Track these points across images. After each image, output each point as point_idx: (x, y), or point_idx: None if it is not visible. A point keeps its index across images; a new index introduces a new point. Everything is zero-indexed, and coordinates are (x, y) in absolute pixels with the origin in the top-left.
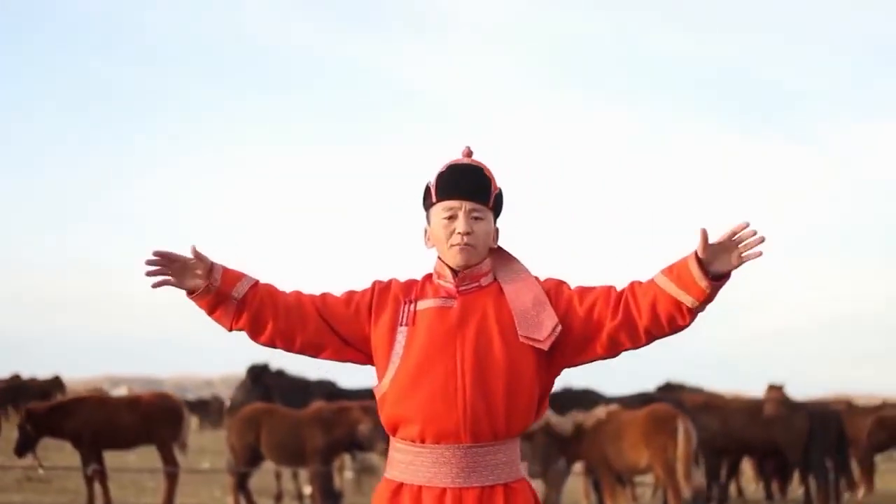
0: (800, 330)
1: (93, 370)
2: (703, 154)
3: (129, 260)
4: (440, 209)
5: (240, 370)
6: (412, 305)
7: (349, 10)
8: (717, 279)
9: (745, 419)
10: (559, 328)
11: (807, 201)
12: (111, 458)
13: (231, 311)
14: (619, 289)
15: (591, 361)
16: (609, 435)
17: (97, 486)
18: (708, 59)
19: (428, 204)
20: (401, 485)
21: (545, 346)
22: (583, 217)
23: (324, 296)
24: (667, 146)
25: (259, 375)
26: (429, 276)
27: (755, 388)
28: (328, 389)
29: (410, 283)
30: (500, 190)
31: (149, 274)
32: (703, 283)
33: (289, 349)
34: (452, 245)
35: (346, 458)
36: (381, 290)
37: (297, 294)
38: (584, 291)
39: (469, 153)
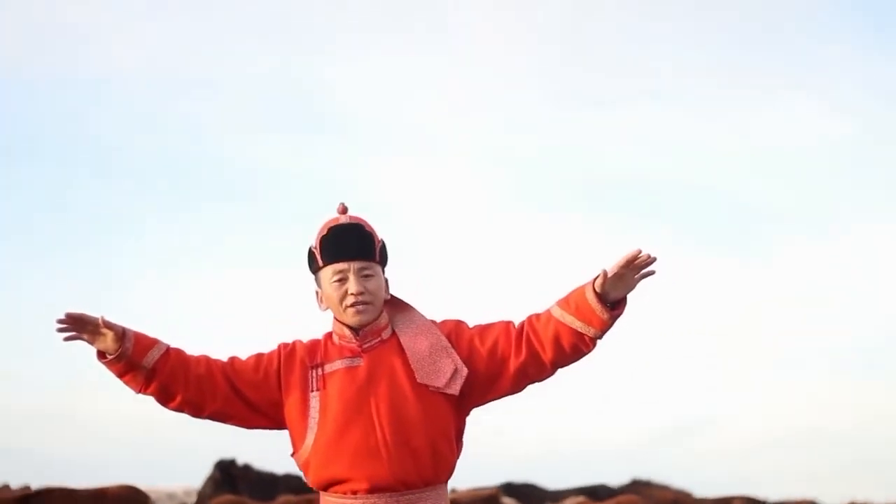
0: (770, 443)
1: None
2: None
3: (76, 378)
4: (329, 273)
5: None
6: (319, 370)
7: (309, 121)
8: (615, 307)
9: None
10: (464, 371)
11: (760, 316)
12: None
13: (140, 379)
14: (516, 323)
15: (499, 398)
16: None
17: None
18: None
19: (314, 268)
20: None
21: (454, 391)
22: None
23: (232, 361)
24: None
25: (227, 470)
26: (328, 336)
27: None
28: (295, 484)
29: (313, 345)
30: (383, 241)
31: (60, 331)
32: (604, 315)
33: (197, 416)
34: (348, 307)
35: None
36: (288, 355)
37: (207, 361)
38: (483, 330)
39: (344, 209)
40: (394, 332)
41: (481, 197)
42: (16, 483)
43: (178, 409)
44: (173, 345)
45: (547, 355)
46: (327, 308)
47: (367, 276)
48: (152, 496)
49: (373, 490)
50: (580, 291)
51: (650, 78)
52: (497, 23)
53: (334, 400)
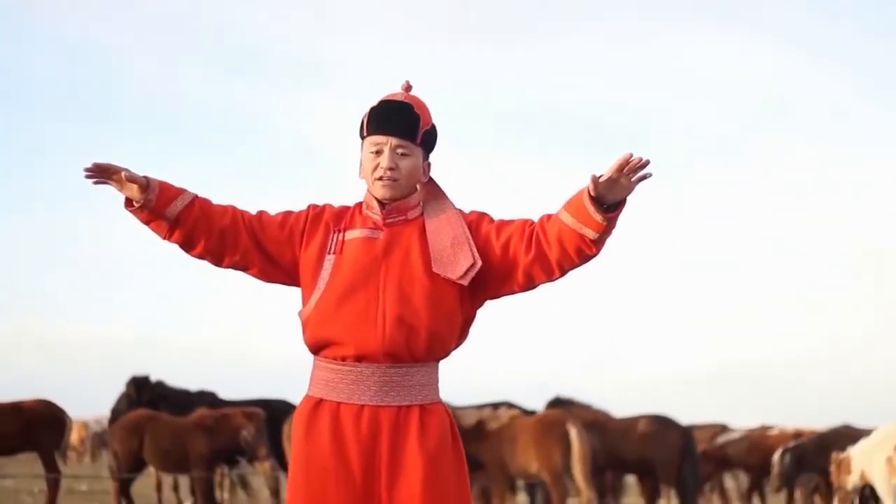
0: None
1: None
2: None
3: (48, 308)
4: (369, 143)
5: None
6: (341, 235)
7: (239, 58)
8: (614, 209)
9: (620, 436)
10: (477, 266)
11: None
12: None
13: (165, 227)
14: (534, 221)
15: (511, 294)
16: (506, 438)
17: None
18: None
19: (361, 136)
20: (320, 401)
21: (465, 282)
22: None
23: (259, 215)
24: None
25: (140, 387)
26: (359, 206)
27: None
28: (209, 400)
29: (342, 211)
30: (433, 126)
31: (87, 178)
32: (598, 217)
33: (217, 264)
34: (376, 179)
35: (227, 471)
36: (315, 216)
37: (233, 212)
38: (501, 226)
39: (408, 87)
40: (422, 215)
41: None
42: None
43: (201, 256)
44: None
45: (553, 255)
46: (363, 177)
47: (402, 154)
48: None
49: (360, 358)
50: (579, 194)
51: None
52: None
53: (347, 265)
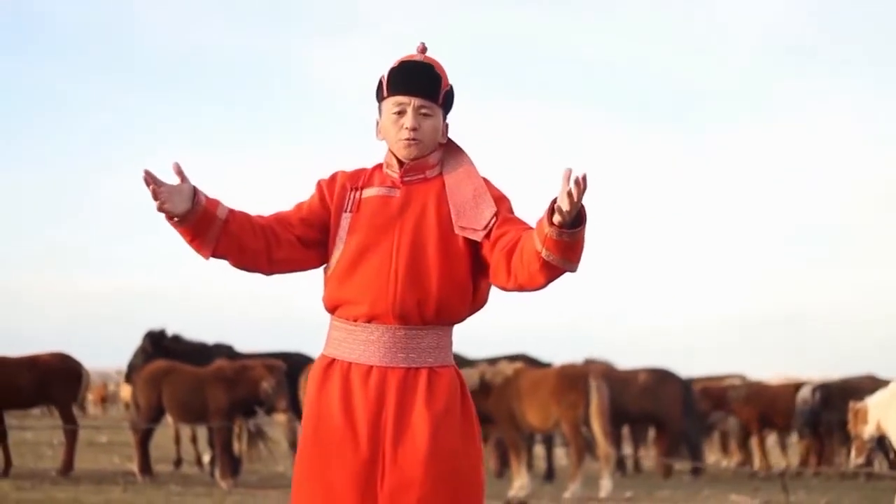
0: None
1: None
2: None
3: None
4: (390, 104)
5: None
6: (358, 193)
7: (258, 7)
8: (572, 229)
9: (621, 388)
10: (495, 219)
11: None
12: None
13: (214, 234)
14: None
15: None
16: (517, 392)
17: None
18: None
19: (380, 97)
20: (333, 360)
21: (479, 237)
22: None
23: (278, 212)
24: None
25: (157, 340)
26: (379, 166)
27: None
28: (226, 353)
29: (358, 172)
30: (451, 87)
31: (154, 196)
32: (547, 229)
33: (267, 269)
34: (400, 140)
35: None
36: (328, 182)
37: (261, 215)
38: (511, 220)
39: (423, 49)
40: (440, 175)
41: None
42: None
43: (251, 261)
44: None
45: (514, 262)
46: (383, 138)
47: (425, 114)
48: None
49: (371, 318)
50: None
51: None
52: None
53: (363, 224)
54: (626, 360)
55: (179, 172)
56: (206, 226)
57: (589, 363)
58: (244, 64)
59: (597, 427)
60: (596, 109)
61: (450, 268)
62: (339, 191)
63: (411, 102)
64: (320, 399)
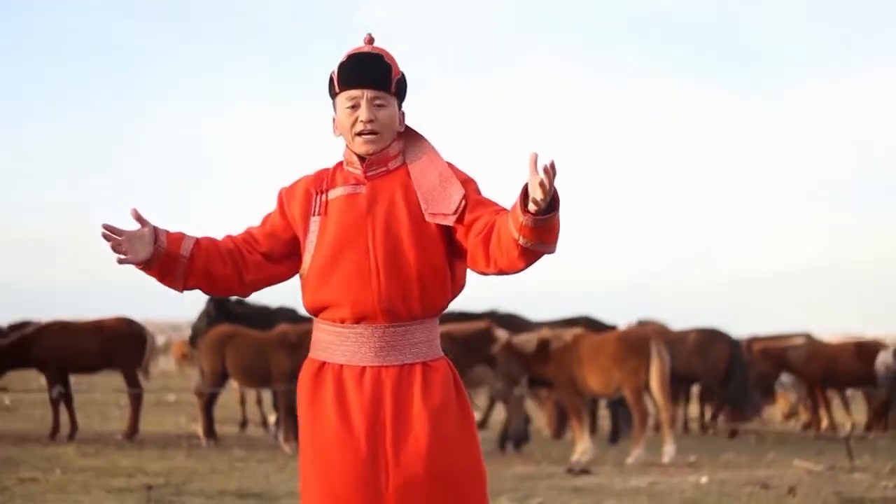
0: (767, 275)
1: (75, 315)
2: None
3: (113, 206)
4: (343, 99)
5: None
6: (324, 195)
7: None
8: (546, 214)
9: (672, 349)
10: (464, 201)
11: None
12: (76, 391)
13: (181, 272)
14: (504, 211)
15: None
16: (577, 358)
17: (63, 412)
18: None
19: (332, 93)
20: (323, 363)
21: (451, 222)
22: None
23: (247, 230)
24: (638, 97)
25: (221, 304)
26: (339, 164)
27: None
28: (290, 316)
29: (321, 174)
30: (403, 74)
31: (113, 249)
32: (521, 218)
33: (241, 292)
34: (356, 134)
35: None
36: (289, 192)
37: (227, 238)
38: (482, 202)
39: (370, 40)
40: (403, 164)
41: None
42: (10, 317)
43: (224, 289)
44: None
45: (491, 247)
46: (340, 134)
47: (379, 105)
48: (166, 328)
49: (359, 319)
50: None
51: None
52: None
53: (332, 224)
54: (695, 315)
55: (138, 218)
56: (172, 265)
57: (644, 324)
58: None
59: (658, 391)
60: (653, 60)
61: (428, 256)
62: (302, 197)
63: (364, 94)
64: (314, 405)
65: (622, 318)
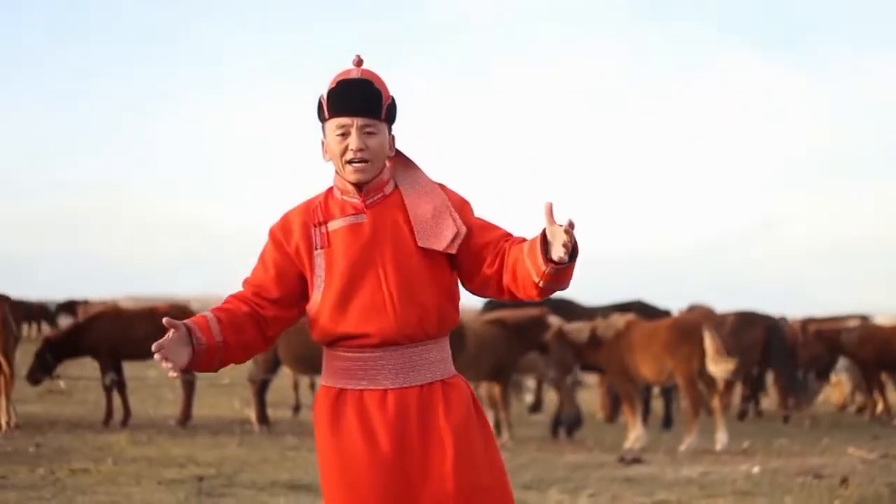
0: (824, 251)
1: (115, 291)
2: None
3: (148, 182)
4: (333, 125)
5: None
6: (323, 228)
7: None
8: (566, 264)
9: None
10: (462, 233)
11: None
12: (130, 372)
13: (219, 357)
14: (512, 237)
15: (467, 290)
16: (629, 345)
17: (116, 398)
18: None
19: (321, 118)
20: (341, 390)
21: (452, 251)
22: (605, 146)
23: (246, 283)
24: (697, 69)
25: None
26: (329, 193)
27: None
28: None
29: (309, 206)
30: (392, 99)
31: (163, 362)
32: (543, 266)
33: (265, 348)
34: (347, 162)
35: None
36: (282, 229)
37: (235, 299)
38: (485, 228)
39: (359, 62)
40: (396, 188)
41: None
42: (66, 291)
43: (251, 354)
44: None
45: (505, 280)
46: (330, 159)
47: (369, 133)
48: (211, 302)
49: (377, 345)
50: (538, 236)
51: None
52: None
53: (340, 257)
54: (750, 293)
55: (171, 325)
56: (211, 356)
57: (693, 309)
58: None
59: (717, 373)
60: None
61: (437, 278)
62: (300, 231)
63: (354, 123)
64: (337, 432)
65: (678, 294)
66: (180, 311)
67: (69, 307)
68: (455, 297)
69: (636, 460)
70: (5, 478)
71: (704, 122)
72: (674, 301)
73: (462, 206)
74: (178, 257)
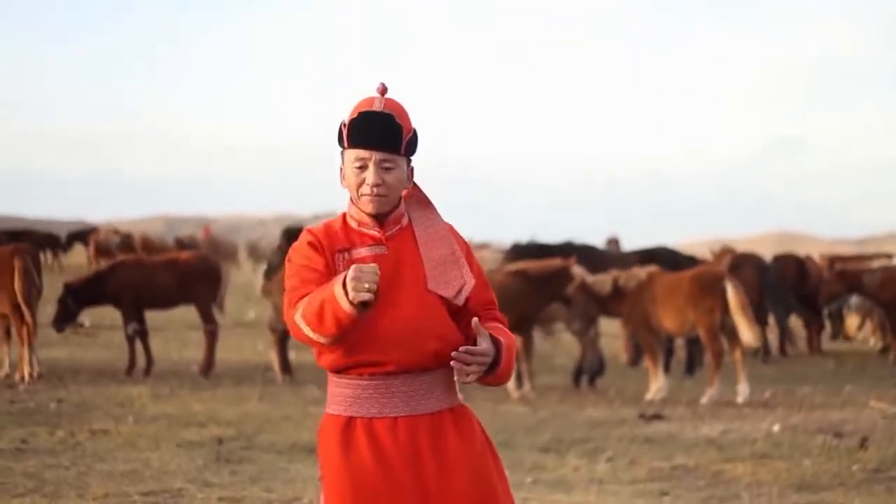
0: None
1: (147, 211)
2: None
3: (181, 104)
4: (352, 156)
5: (291, 210)
6: (347, 254)
7: None
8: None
9: None
10: (470, 285)
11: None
12: (157, 313)
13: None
14: (493, 309)
15: None
16: (651, 297)
17: (139, 344)
18: None
19: (341, 144)
20: (350, 418)
21: (458, 302)
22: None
23: (299, 297)
24: None
25: (294, 237)
26: (344, 221)
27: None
28: None
29: (328, 228)
30: (414, 131)
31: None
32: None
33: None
34: (363, 195)
35: None
36: (317, 240)
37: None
38: (479, 287)
39: (384, 90)
40: (409, 222)
41: None
42: (99, 212)
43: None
44: None
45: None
46: (346, 188)
47: (387, 168)
48: (240, 223)
49: (391, 373)
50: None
51: None
52: None
53: None
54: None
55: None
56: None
57: (715, 254)
58: None
59: (741, 321)
60: None
61: (451, 309)
62: (328, 250)
63: (372, 157)
64: (348, 462)
65: (708, 213)
66: (202, 259)
67: (81, 236)
68: (468, 328)
69: (657, 416)
70: (26, 441)
71: (733, 41)
72: (705, 219)
73: (470, 256)
74: (208, 178)
